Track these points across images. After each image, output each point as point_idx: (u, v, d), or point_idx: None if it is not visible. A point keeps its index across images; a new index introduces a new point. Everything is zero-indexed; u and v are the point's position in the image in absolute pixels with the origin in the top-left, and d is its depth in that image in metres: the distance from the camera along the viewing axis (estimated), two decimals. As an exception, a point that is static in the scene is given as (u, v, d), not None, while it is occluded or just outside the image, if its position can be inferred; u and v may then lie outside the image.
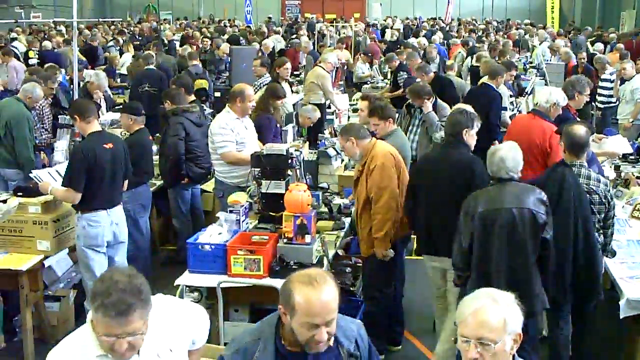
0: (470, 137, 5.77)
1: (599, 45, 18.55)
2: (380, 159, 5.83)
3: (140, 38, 23.92)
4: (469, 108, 6.39)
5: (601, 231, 5.51)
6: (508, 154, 5.10)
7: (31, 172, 6.69)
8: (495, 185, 5.14)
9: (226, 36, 21.81)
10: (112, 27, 29.33)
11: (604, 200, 5.44)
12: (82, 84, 12.16)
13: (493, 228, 4.99)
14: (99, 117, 7.66)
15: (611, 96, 12.62)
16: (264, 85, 9.84)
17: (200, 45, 19.52)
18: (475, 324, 2.85)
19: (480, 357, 2.83)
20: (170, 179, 8.10)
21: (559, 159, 5.69)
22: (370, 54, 17.45)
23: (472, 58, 14.71)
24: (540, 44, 19.21)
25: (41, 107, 9.39)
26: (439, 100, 8.59)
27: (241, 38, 21.05)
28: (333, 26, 25.99)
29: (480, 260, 5.07)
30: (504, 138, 7.41)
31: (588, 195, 5.36)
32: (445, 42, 20.91)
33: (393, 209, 5.79)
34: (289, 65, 10.72)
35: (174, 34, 23.80)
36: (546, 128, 6.88)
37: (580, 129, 5.53)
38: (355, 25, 26.12)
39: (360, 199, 5.93)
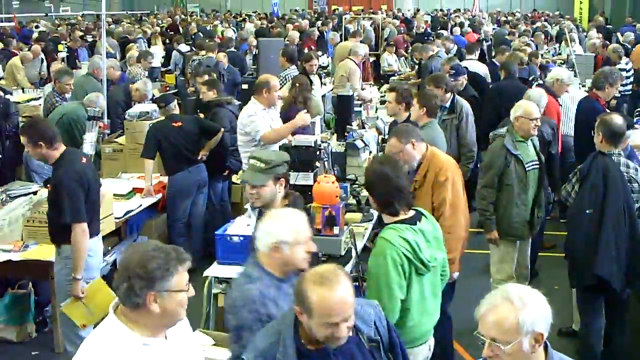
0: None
1: (630, 35, 18.06)
2: (448, 171, 5.27)
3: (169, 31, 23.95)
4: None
5: None
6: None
7: None
8: None
9: (254, 28, 21.78)
10: (153, 19, 29.47)
11: None
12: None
13: None
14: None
15: (625, 85, 12.35)
16: (290, 78, 9.71)
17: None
18: (488, 323, 2.79)
19: (495, 357, 2.78)
20: (213, 170, 8.03)
21: None
22: (392, 43, 17.35)
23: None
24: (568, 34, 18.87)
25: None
26: (456, 95, 8.33)
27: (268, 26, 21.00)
28: (362, 18, 25.87)
29: None
30: None
31: (629, 184, 5.37)
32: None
33: (462, 226, 5.30)
34: (315, 61, 10.61)
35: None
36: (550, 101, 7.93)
37: (617, 119, 5.55)
38: (384, 17, 26.02)
39: None
